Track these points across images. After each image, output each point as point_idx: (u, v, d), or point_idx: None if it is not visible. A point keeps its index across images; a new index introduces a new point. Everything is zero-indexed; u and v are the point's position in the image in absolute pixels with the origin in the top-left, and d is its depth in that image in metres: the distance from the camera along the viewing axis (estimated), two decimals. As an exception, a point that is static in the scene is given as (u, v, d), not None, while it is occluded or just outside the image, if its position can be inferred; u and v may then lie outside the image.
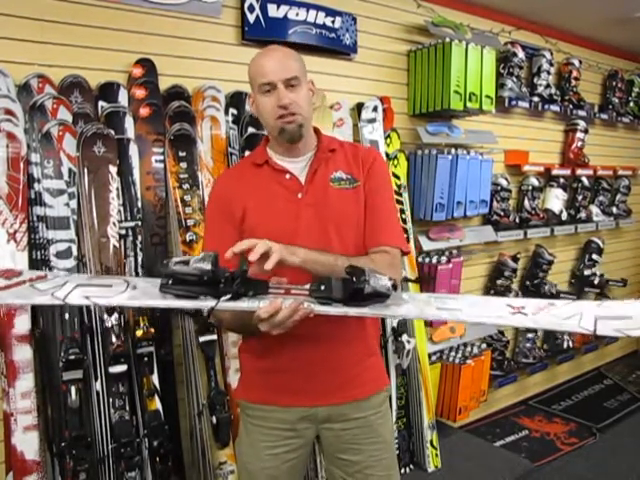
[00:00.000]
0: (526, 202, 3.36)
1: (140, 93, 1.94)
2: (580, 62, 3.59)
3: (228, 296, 1.10)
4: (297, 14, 2.33)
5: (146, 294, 1.15)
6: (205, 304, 1.11)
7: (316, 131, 1.44)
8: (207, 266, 1.07)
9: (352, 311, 1.13)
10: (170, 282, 1.10)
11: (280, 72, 1.27)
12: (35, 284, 1.16)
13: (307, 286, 1.16)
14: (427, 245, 2.79)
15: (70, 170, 1.77)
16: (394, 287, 1.14)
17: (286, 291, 1.15)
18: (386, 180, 1.46)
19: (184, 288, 1.10)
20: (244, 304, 1.12)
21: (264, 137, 1.47)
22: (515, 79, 3.16)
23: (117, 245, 1.81)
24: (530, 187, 3.37)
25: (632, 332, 1.02)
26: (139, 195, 1.91)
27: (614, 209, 3.97)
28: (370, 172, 1.39)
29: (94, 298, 1.12)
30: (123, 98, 1.92)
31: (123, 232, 1.86)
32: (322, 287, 1.13)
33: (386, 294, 1.13)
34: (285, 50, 1.35)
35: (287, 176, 1.36)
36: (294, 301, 1.10)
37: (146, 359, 1.85)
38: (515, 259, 3.28)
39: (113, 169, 1.81)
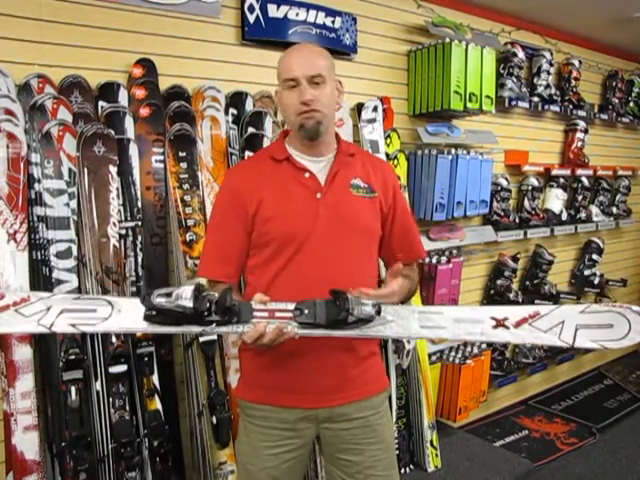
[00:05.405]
0: (526, 202, 3.36)
1: (140, 93, 1.94)
2: (580, 62, 3.59)
3: (213, 325, 1.14)
4: (297, 14, 2.33)
5: (130, 318, 1.17)
6: (191, 330, 1.15)
7: (336, 135, 1.45)
8: (188, 303, 1.10)
9: (336, 333, 1.16)
10: (154, 313, 1.13)
11: (304, 69, 1.30)
12: (19, 309, 1.15)
13: (291, 307, 1.17)
14: (427, 245, 2.78)
15: (70, 170, 1.76)
16: (378, 313, 1.16)
17: (270, 314, 1.16)
18: (404, 197, 1.54)
19: (168, 319, 1.13)
20: (229, 329, 1.16)
21: (281, 132, 1.49)
22: (515, 79, 3.15)
23: (117, 245, 1.81)
24: (530, 187, 3.36)
25: (608, 344, 1.04)
26: (139, 195, 1.91)
27: (614, 209, 3.96)
28: (395, 195, 1.46)
29: (80, 326, 1.15)
30: (123, 98, 1.92)
31: (123, 232, 1.86)
32: (306, 311, 1.15)
33: (369, 320, 1.16)
34: (314, 48, 1.39)
35: (307, 175, 1.37)
36: (277, 326, 1.13)
37: (146, 359, 1.85)
38: (515, 259, 3.27)
39: (113, 169, 1.81)
